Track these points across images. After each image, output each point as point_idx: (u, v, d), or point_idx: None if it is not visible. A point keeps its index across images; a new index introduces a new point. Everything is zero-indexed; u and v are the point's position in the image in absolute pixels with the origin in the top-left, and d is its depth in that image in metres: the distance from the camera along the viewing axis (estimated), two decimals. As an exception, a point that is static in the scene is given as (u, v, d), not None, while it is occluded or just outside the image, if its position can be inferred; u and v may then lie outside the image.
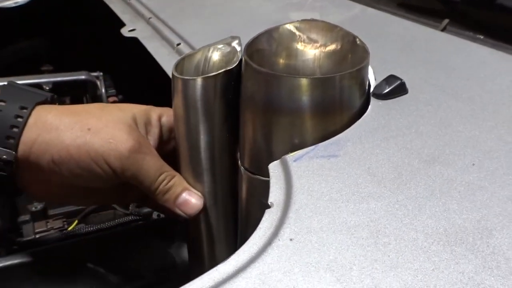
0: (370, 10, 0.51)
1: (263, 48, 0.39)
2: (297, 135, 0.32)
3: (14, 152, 0.36)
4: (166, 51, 0.50)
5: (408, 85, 0.35)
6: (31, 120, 0.37)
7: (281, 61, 0.41)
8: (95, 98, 0.92)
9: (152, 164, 0.37)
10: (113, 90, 0.93)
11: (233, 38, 0.42)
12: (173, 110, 0.38)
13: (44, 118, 0.37)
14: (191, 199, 0.38)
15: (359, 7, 0.52)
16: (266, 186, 0.34)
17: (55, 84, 0.84)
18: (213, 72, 0.40)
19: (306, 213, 0.25)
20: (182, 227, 0.44)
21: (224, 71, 0.36)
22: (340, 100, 0.32)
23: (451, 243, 0.22)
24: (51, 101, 0.41)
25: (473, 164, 0.27)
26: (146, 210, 0.55)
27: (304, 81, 0.32)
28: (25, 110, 0.37)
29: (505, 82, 0.35)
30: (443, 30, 0.56)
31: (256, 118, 0.34)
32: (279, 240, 0.24)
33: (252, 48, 0.37)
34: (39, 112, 0.37)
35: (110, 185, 0.38)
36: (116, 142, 0.35)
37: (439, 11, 0.58)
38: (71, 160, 0.35)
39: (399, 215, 0.24)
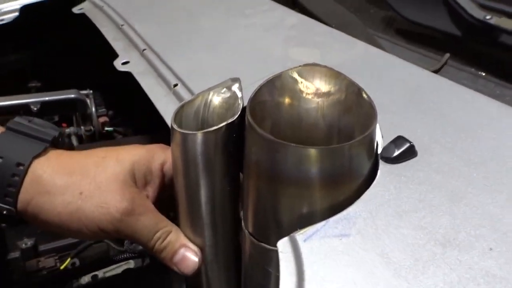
0: (371, 49, 0.50)
1: (265, 100, 0.38)
2: (305, 206, 0.31)
3: (13, 209, 0.36)
4: (162, 91, 0.48)
5: (416, 145, 0.34)
6: (27, 179, 0.37)
7: (284, 111, 0.40)
8: (85, 116, 0.90)
9: (147, 224, 0.36)
10: (104, 109, 0.91)
11: (233, 80, 0.41)
12: (172, 162, 0.37)
13: (39, 178, 0.37)
14: (188, 256, 0.37)
15: (359, 45, 0.51)
16: (271, 255, 0.33)
17: (44, 104, 0.82)
18: (213, 118, 0.39)
19: (320, 309, 0.24)
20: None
21: (226, 124, 0.35)
22: (350, 168, 0.31)
23: None
24: (53, 143, 0.41)
25: (491, 249, 0.26)
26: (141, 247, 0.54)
27: (313, 152, 0.30)
28: (21, 167, 0.37)
29: (516, 143, 0.34)
30: (444, 64, 0.55)
31: (261, 186, 0.33)
32: None
33: (254, 101, 0.36)
34: (34, 169, 0.37)
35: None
36: (108, 207, 0.35)
37: (439, 42, 0.58)
38: (63, 225, 0.35)
39: (418, 313, 0.23)
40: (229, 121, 0.35)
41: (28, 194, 0.37)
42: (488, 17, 0.49)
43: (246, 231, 0.35)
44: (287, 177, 0.30)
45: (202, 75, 0.47)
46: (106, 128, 0.88)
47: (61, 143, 0.45)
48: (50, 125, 0.46)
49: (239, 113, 0.36)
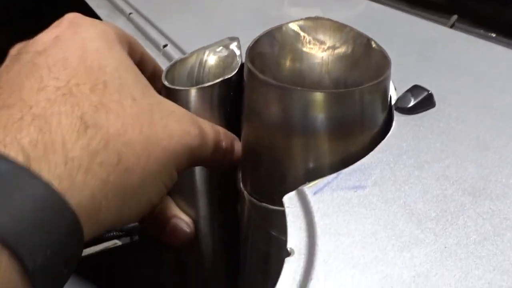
0: (376, 6, 0.47)
1: (265, 52, 0.35)
2: (313, 159, 0.27)
3: None
4: (151, 53, 0.44)
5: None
6: None
7: (286, 65, 0.36)
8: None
9: None
10: None
11: (231, 39, 0.37)
12: None
13: None
14: (180, 228, 0.33)
15: (364, 2, 0.48)
16: (276, 216, 0.29)
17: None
18: (209, 78, 0.35)
19: (336, 265, 0.20)
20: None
21: (222, 80, 0.31)
22: (361, 117, 0.28)
23: (520, 306, 0.18)
24: None
25: (526, 198, 0.23)
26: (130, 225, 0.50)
27: (320, 96, 0.27)
28: None
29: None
30: (451, 27, 0.52)
31: (262, 138, 0.29)
32: (307, 303, 0.19)
33: (253, 52, 0.32)
34: None
35: None
36: None
37: (445, 5, 0.54)
38: None
39: (450, 267, 0.20)
40: (226, 77, 0.32)
41: None
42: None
43: (245, 192, 0.31)
44: (293, 126, 0.27)
45: (193, 35, 0.44)
46: None
47: None
48: None
49: (237, 69, 0.33)
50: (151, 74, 0.32)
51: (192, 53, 0.35)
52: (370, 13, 0.46)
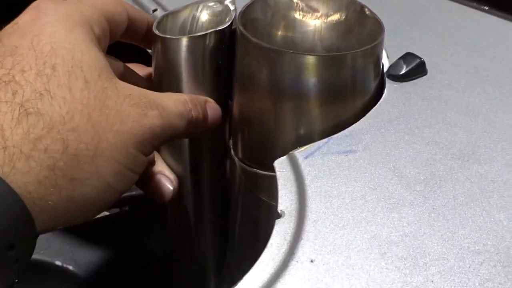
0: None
1: (257, 18, 0.34)
2: (304, 124, 0.27)
3: None
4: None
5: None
6: None
7: (278, 33, 0.36)
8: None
9: None
10: None
11: None
12: (153, 75, 0.33)
13: None
14: (163, 183, 0.32)
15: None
16: (266, 181, 0.29)
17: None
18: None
19: (326, 225, 0.21)
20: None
21: (214, 31, 0.30)
22: (353, 82, 0.28)
23: (504, 263, 0.19)
24: None
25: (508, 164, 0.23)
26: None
27: (312, 59, 0.27)
28: None
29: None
30: (444, -1, 0.51)
31: (254, 102, 0.29)
32: (297, 261, 0.19)
33: (245, 17, 0.31)
34: None
35: None
36: None
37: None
38: None
39: (438, 227, 0.20)
40: (219, 28, 0.30)
41: None
42: None
43: (236, 158, 0.31)
44: (284, 89, 0.27)
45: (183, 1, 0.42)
46: None
47: None
48: None
49: (231, 21, 0.32)
50: (145, 36, 0.32)
51: (185, 7, 0.34)
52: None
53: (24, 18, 0.24)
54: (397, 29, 0.36)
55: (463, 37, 0.34)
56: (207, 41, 0.30)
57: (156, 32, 0.30)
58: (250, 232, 0.32)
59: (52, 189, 0.20)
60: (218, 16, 0.35)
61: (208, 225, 0.37)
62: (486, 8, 0.50)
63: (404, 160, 0.24)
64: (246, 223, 0.33)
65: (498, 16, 0.47)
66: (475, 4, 0.51)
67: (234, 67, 0.31)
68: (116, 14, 0.29)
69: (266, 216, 0.30)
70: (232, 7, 0.34)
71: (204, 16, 0.35)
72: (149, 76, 0.35)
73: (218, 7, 0.35)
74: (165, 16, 0.33)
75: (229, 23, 0.31)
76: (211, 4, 0.35)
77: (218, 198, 0.36)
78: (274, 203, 0.24)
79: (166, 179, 0.32)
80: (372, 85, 0.29)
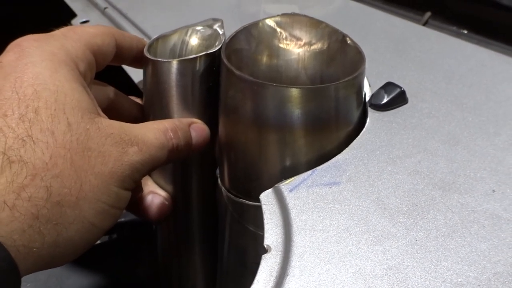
0: (352, 3, 0.47)
1: (242, 48, 0.35)
2: (289, 155, 0.28)
3: None
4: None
5: (406, 92, 0.31)
6: None
7: (263, 62, 0.36)
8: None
9: None
10: None
11: (215, 20, 0.37)
12: (143, 96, 0.33)
13: None
14: (156, 202, 0.32)
15: (339, 0, 0.48)
16: (253, 212, 0.30)
17: None
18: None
19: (311, 260, 0.21)
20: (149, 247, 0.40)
21: (204, 54, 0.31)
22: (337, 112, 0.28)
23: (485, 295, 0.19)
24: None
25: (493, 191, 0.24)
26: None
27: (295, 92, 0.27)
28: None
29: (509, 89, 0.32)
30: (425, 24, 0.53)
31: (238, 133, 0.29)
32: (283, 298, 0.19)
33: (230, 48, 0.32)
34: None
35: None
36: None
37: (419, 3, 0.55)
38: None
39: (421, 260, 0.21)
40: (210, 51, 0.31)
41: None
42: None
43: (223, 187, 0.32)
44: (269, 121, 0.27)
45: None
46: None
47: None
48: None
49: (220, 45, 0.32)
50: (135, 58, 0.32)
51: (175, 31, 0.35)
52: (345, 10, 0.47)
53: (8, 57, 0.24)
54: (378, 56, 0.37)
55: (442, 65, 0.35)
56: (197, 64, 0.31)
57: (147, 55, 0.31)
58: (238, 259, 0.32)
59: (36, 236, 0.20)
60: (207, 40, 0.36)
61: (197, 246, 0.37)
62: (466, 31, 0.52)
63: (387, 191, 0.24)
64: (234, 250, 0.33)
65: (476, 41, 0.49)
66: (454, 28, 0.52)
67: (219, 97, 0.31)
68: (103, 45, 0.29)
69: (254, 245, 0.31)
70: (221, 31, 0.35)
71: (193, 40, 0.36)
72: (139, 99, 0.36)
73: (207, 31, 0.36)
74: (156, 40, 0.34)
75: (218, 46, 0.32)
76: (200, 28, 0.36)
77: (208, 215, 0.36)
78: (261, 233, 0.24)
79: (159, 197, 0.33)
80: (355, 115, 0.29)
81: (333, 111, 0.28)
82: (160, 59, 0.31)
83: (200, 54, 0.32)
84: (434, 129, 0.28)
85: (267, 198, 0.25)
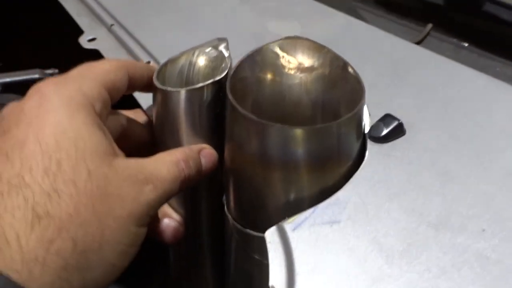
0: (353, 21, 0.48)
1: (246, 76, 0.36)
2: (293, 191, 0.29)
3: None
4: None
5: (403, 122, 0.32)
6: None
7: (266, 87, 0.38)
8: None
9: None
10: None
11: (220, 40, 0.38)
12: (154, 122, 0.35)
13: None
14: (172, 226, 0.34)
15: (340, 16, 0.49)
16: (257, 242, 0.31)
17: (6, 86, 0.77)
18: (198, 79, 0.36)
19: (313, 302, 0.23)
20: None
21: (211, 82, 0.32)
22: (339, 149, 0.30)
23: (472, 337, 0.21)
24: None
25: (483, 230, 0.25)
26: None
27: (299, 132, 0.29)
28: None
29: (504, 118, 0.33)
30: (426, 35, 0.53)
31: (243, 166, 0.31)
32: None
33: (235, 78, 0.33)
34: None
35: None
36: None
37: (422, 14, 0.56)
38: None
39: (414, 301, 0.22)
40: (216, 79, 0.33)
41: None
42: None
43: (230, 216, 0.33)
44: (273, 160, 0.29)
45: (175, 50, 0.44)
46: None
47: None
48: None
49: (226, 71, 0.33)
50: (146, 85, 0.33)
51: (182, 53, 0.36)
52: (346, 28, 0.48)
53: (30, 103, 0.26)
54: (377, 81, 0.38)
55: (440, 91, 0.36)
56: (205, 93, 0.32)
57: (157, 84, 0.32)
58: (245, 284, 0.34)
59: (64, 284, 0.22)
60: (213, 62, 0.37)
61: (207, 269, 0.39)
62: (466, 44, 0.53)
63: (384, 230, 0.26)
64: (240, 275, 0.35)
65: (476, 55, 0.50)
66: (455, 40, 0.53)
67: (225, 128, 0.33)
68: (117, 81, 0.31)
69: (258, 271, 0.32)
70: (226, 54, 0.36)
71: (200, 61, 0.37)
72: (149, 123, 0.37)
73: (213, 53, 0.37)
74: (164, 65, 0.35)
75: (225, 72, 0.33)
76: (206, 50, 0.37)
77: (217, 240, 0.38)
78: (265, 261, 0.26)
79: (174, 222, 0.34)
80: (356, 148, 0.31)
81: (335, 148, 0.30)
82: (169, 89, 0.32)
83: (207, 82, 0.33)
84: (429, 164, 0.30)
85: (271, 235, 0.27)
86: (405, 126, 0.32)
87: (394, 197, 0.28)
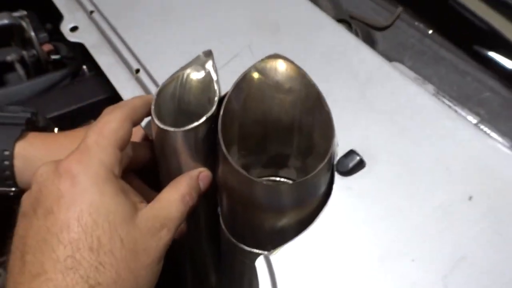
0: (328, 29, 0.50)
1: (233, 108, 0.41)
2: (278, 226, 0.38)
3: (17, 189, 0.44)
4: (124, 76, 0.49)
5: (365, 152, 0.40)
6: (17, 163, 0.42)
7: (250, 111, 0.44)
8: (25, 42, 0.84)
9: None
10: (44, 34, 0.84)
11: (206, 56, 0.43)
12: (154, 145, 0.41)
13: (29, 161, 0.43)
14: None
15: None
16: (248, 254, 0.41)
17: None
18: (189, 100, 0.42)
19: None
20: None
21: (205, 120, 0.38)
22: (315, 190, 0.38)
23: None
24: (29, 125, 0.44)
25: (413, 260, 0.35)
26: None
27: (283, 187, 0.36)
28: (7, 152, 0.42)
29: (453, 149, 0.40)
30: (396, 19, 0.57)
31: (236, 205, 0.39)
32: None
33: (225, 113, 0.39)
34: (20, 153, 0.43)
35: None
36: None
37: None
38: None
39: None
40: (208, 115, 0.38)
41: (24, 177, 0.43)
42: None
43: (224, 228, 0.42)
44: (260, 205, 0.37)
45: (164, 60, 0.48)
46: (53, 57, 0.83)
47: (36, 122, 0.48)
48: (21, 108, 0.48)
49: (215, 105, 0.39)
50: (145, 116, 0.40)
51: (171, 77, 0.41)
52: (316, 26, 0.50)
53: (64, 185, 0.32)
54: (342, 100, 0.43)
55: (399, 118, 0.42)
56: (199, 129, 0.38)
57: (157, 122, 0.37)
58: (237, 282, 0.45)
59: None
60: (202, 82, 0.42)
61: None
62: (431, 32, 0.57)
63: (344, 259, 0.35)
64: (233, 274, 0.45)
65: (439, 44, 0.54)
66: (422, 26, 0.57)
67: (217, 164, 0.39)
68: (125, 135, 0.37)
69: (249, 271, 0.42)
70: (214, 77, 0.41)
71: (190, 82, 0.42)
72: (149, 142, 0.43)
73: (201, 73, 0.42)
74: (157, 95, 0.40)
75: (214, 106, 0.38)
76: (194, 70, 0.41)
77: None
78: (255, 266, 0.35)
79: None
80: (327, 182, 0.38)
81: (312, 190, 0.37)
82: (167, 128, 0.37)
83: (201, 121, 0.38)
84: (384, 196, 0.38)
85: (260, 263, 0.36)
86: (367, 156, 0.40)
87: (354, 230, 0.36)
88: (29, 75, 0.81)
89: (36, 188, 0.32)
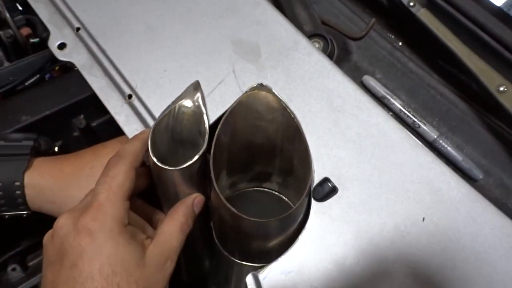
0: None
1: (223, 141, 0.47)
2: (264, 248, 0.45)
3: (30, 212, 0.49)
4: (117, 101, 0.53)
5: (336, 177, 0.46)
6: (28, 192, 0.48)
7: (237, 139, 0.49)
8: (0, 23, 0.83)
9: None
10: (20, 16, 0.83)
11: (195, 88, 0.48)
12: (153, 178, 0.47)
13: (39, 189, 0.48)
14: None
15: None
16: (239, 266, 0.48)
17: None
18: (181, 130, 0.48)
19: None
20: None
21: (198, 157, 0.43)
22: (295, 218, 0.44)
23: None
24: (34, 152, 0.50)
25: (375, 275, 0.43)
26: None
27: (270, 223, 0.43)
28: (17, 183, 0.48)
29: (421, 176, 0.47)
30: (369, 30, 0.60)
31: (226, 230, 0.45)
32: None
33: (216, 148, 0.44)
34: (30, 182, 0.48)
35: None
36: None
37: (371, 5, 0.60)
38: None
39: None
40: (200, 152, 0.44)
41: (35, 203, 0.48)
42: (411, 4, 0.53)
43: (216, 241, 0.49)
44: (249, 234, 0.43)
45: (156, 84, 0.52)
46: (32, 40, 0.83)
47: (38, 147, 0.53)
48: (23, 136, 0.52)
49: (206, 141, 0.44)
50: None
51: (164, 112, 0.46)
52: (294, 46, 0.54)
53: (85, 241, 0.38)
54: (318, 124, 0.49)
55: (367, 146, 0.48)
56: (193, 166, 0.44)
57: (153, 159, 0.43)
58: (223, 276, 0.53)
59: None
60: (193, 116, 0.48)
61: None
62: (400, 44, 0.60)
63: (317, 279, 0.43)
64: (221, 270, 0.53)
65: (407, 57, 0.59)
66: (392, 37, 0.60)
67: (211, 199, 0.46)
68: (130, 184, 0.42)
69: (238, 270, 0.50)
70: (203, 110, 0.46)
71: (181, 114, 0.47)
72: (147, 169, 0.48)
73: (191, 107, 0.47)
74: (153, 132, 0.45)
75: (205, 144, 0.44)
76: (185, 103, 0.47)
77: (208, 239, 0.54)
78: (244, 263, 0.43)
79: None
80: (304, 209, 0.45)
81: (295, 220, 0.44)
82: (164, 167, 0.43)
83: (194, 159, 0.44)
84: (352, 220, 0.45)
85: (250, 281, 0.43)
86: (338, 181, 0.46)
87: (324, 252, 0.44)
88: (9, 58, 0.81)
89: (58, 241, 0.38)
